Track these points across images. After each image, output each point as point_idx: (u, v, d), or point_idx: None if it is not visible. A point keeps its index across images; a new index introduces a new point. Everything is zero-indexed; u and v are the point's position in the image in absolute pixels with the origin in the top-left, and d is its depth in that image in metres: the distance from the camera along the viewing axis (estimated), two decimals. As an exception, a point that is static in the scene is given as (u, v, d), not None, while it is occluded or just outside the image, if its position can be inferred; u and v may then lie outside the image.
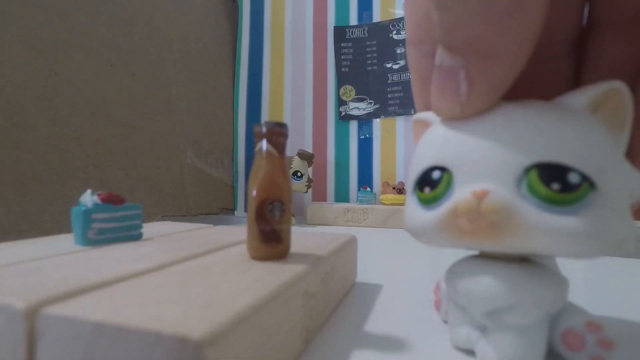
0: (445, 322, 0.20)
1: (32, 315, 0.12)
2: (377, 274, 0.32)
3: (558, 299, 0.15)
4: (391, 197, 0.73)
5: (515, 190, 0.13)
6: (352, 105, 0.87)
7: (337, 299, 0.24)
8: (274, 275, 0.17)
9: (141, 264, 0.18)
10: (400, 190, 0.74)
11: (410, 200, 0.16)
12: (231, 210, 0.82)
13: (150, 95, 0.61)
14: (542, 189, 0.12)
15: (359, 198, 0.76)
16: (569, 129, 0.13)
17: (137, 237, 0.26)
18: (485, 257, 0.16)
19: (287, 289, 0.16)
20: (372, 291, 0.27)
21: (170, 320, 0.11)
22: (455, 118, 0.14)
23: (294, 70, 0.89)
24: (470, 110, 0.14)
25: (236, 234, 0.29)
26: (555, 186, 0.12)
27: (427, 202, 0.15)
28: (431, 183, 0.15)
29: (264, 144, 0.20)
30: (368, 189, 0.78)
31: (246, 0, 0.91)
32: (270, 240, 0.20)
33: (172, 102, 0.65)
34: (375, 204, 0.76)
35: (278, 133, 0.20)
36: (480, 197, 0.13)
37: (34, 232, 0.41)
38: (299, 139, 0.88)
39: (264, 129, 0.20)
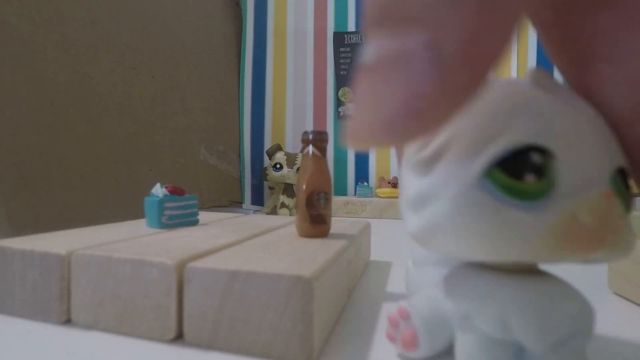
0: None
1: (180, 268, 0.18)
2: (386, 254, 0.39)
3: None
4: (387, 190, 0.80)
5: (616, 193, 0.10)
6: (351, 106, 0.93)
7: (362, 269, 0.30)
8: (328, 246, 0.23)
9: (222, 239, 0.24)
10: (395, 185, 0.81)
11: (477, 194, 0.10)
12: (239, 202, 0.87)
13: (168, 95, 0.66)
14: (625, 193, 0.11)
15: (357, 192, 0.82)
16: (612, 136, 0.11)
17: (195, 223, 0.31)
18: (496, 269, 0.13)
19: (340, 255, 0.22)
20: (385, 266, 0.33)
21: (283, 267, 0.17)
22: (386, 143, 0.08)
23: (295, 72, 0.95)
24: (435, 118, 0.08)
25: (273, 220, 0.35)
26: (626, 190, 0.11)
27: (530, 197, 0.10)
28: (534, 168, 0.10)
29: (310, 148, 0.26)
30: (365, 183, 0.84)
31: (250, 5, 0.95)
32: (317, 222, 0.26)
33: (187, 101, 0.70)
34: (372, 197, 0.83)
35: (322, 140, 0.26)
36: (610, 200, 0.10)
37: (78, 221, 0.46)
38: (300, 138, 0.94)
39: (310, 137, 0.26)
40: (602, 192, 0.10)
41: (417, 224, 0.12)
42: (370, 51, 0.08)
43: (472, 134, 0.10)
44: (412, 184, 0.12)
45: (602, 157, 0.10)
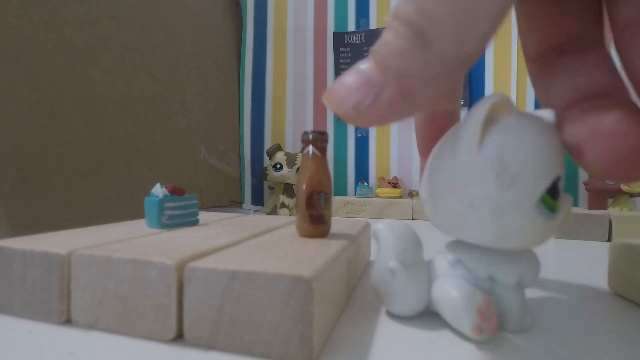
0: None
1: (180, 268, 0.18)
2: (386, 254, 0.39)
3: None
4: (386, 190, 0.80)
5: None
6: (350, 105, 0.93)
7: (362, 269, 0.30)
8: (327, 246, 0.23)
9: (222, 239, 0.24)
10: (395, 185, 0.81)
11: (533, 209, 0.15)
12: (239, 202, 0.87)
13: (168, 95, 0.66)
14: (547, 199, 0.16)
15: (357, 192, 0.82)
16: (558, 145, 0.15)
17: (195, 223, 0.31)
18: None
19: (340, 255, 0.22)
20: (385, 266, 0.33)
21: (283, 267, 0.17)
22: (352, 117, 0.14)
23: (295, 72, 0.95)
24: (372, 117, 0.14)
25: (273, 220, 0.35)
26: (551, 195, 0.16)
27: (555, 210, 0.16)
28: (557, 193, 0.16)
29: (310, 148, 0.26)
30: (365, 183, 0.84)
31: (250, 5, 0.96)
32: (317, 222, 0.26)
33: (187, 101, 0.70)
34: (372, 197, 0.83)
35: (321, 140, 0.26)
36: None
37: (78, 221, 0.46)
38: (300, 138, 0.94)
39: (310, 137, 0.26)
40: (568, 197, 0.17)
41: (494, 224, 0.16)
42: (361, 62, 0.14)
43: (535, 170, 0.15)
44: (491, 191, 0.16)
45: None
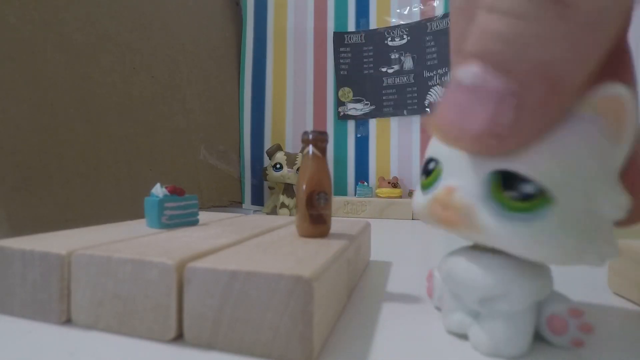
0: (438, 309, 0.21)
1: (180, 268, 0.18)
2: (386, 255, 0.39)
3: (544, 289, 0.16)
4: (386, 190, 0.80)
5: (482, 191, 0.14)
6: (350, 106, 0.94)
7: (362, 269, 0.30)
8: (327, 246, 0.23)
9: (222, 239, 0.24)
10: (394, 185, 0.81)
11: (418, 185, 0.18)
12: (239, 202, 0.87)
13: (168, 95, 0.66)
14: (499, 194, 0.13)
15: (357, 192, 0.82)
16: (543, 141, 0.12)
17: (195, 223, 0.31)
18: (477, 248, 0.17)
19: (340, 255, 0.22)
20: (385, 266, 0.33)
21: (284, 267, 0.17)
22: (472, 150, 0.13)
23: (295, 72, 0.95)
24: (510, 145, 0.11)
25: (273, 220, 0.35)
26: (511, 194, 0.13)
27: (424, 188, 0.17)
28: (427, 172, 0.17)
29: (310, 148, 0.26)
30: (365, 183, 0.85)
31: (250, 5, 0.96)
32: (317, 222, 0.26)
33: (187, 102, 0.70)
34: (372, 197, 0.83)
35: (321, 140, 0.26)
36: (449, 192, 0.15)
37: (78, 221, 0.46)
38: (300, 138, 0.94)
39: (310, 136, 0.26)
40: (445, 185, 0.15)
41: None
42: (470, 75, 0.11)
43: (425, 156, 0.18)
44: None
45: (474, 165, 0.14)
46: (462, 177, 0.14)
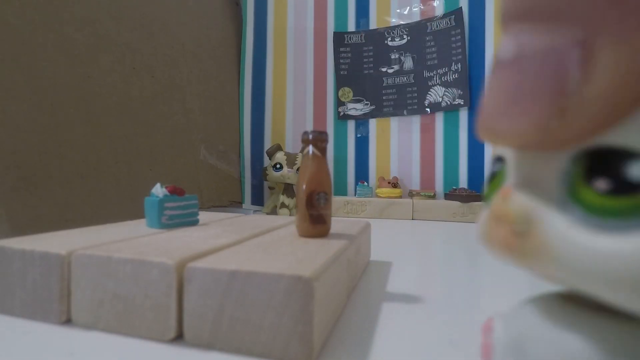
0: None
1: (180, 268, 0.18)
2: (386, 255, 0.39)
3: None
4: (386, 190, 0.80)
5: (556, 188, 0.09)
6: (350, 106, 0.94)
7: (362, 269, 0.30)
8: (328, 246, 0.23)
9: (222, 239, 0.24)
10: (394, 185, 0.81)
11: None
12: (239, 202, 0.87)
13: (168, 95, 0.66)
14: (582, 190, 0.08)
15: (357, 192, 0.82)
16: None
17: (195, 223, 0.31)
18: (575, 300, 0.10)
19: (340, 255, 0.22)
20: (385, 266, 0.33)
21: (283, 267, 0.17)
22: (535, 146, 0.08)
23: (295, 72, 0.95)
24: (575, 123, 0.07)
25: (273, 220, 0.35)
26: (603, 184, 0.08)
27: (486, 200, 0.11)
28: (492, 177, 0.11)
29: (310, 148, 0.26)
30: (365, 183, 0.85)
31: (250, 5, 0.96)
32: (317, 222, 0.26)
33: (187, 102, 0.70)
34: (372, 197, 0.83)
35: (321, 140, 0.26)
36: (505, 195, 0.10)
37: (78, 221, 0.46)
38: (300, 138, 0.94)
39: (310, 137, 0.26)
40: (502, 188, 0.10)
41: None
42: (510, 46, 0.08)
43: None
44: None
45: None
46: (528, 172, 0.09)
